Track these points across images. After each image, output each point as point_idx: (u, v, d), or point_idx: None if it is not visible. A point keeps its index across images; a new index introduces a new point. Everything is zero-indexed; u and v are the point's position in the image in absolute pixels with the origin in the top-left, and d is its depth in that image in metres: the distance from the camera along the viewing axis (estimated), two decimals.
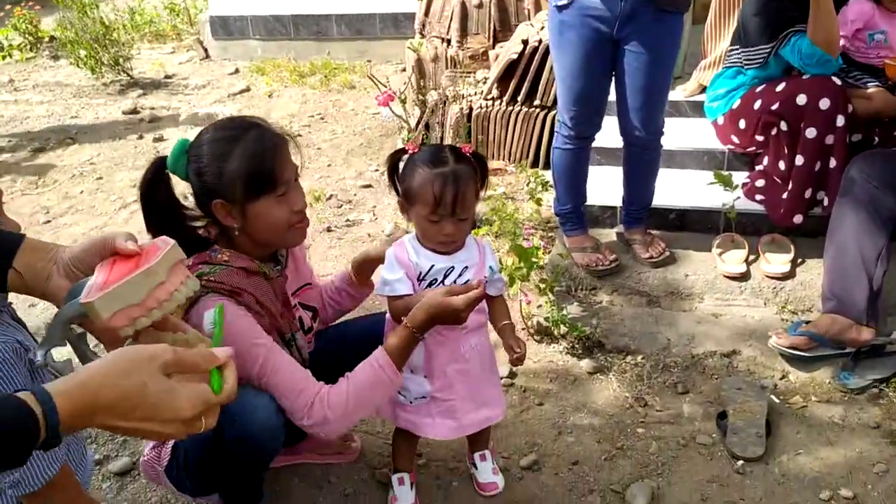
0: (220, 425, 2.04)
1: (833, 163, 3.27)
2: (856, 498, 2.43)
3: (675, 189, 3.75)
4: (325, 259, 4.11)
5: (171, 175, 2.01)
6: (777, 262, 3.33)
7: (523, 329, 3.29)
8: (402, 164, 2.17)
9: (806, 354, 2.96)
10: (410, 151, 2.14)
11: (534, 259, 3.06)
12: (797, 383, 2.95)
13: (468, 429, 2.34)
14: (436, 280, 2.17)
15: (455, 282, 2.18)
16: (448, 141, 5.00)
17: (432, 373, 2.23)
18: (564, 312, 3.22)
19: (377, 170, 5.12)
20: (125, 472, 2.72)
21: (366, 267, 2.46)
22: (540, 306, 3.30)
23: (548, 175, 4.49)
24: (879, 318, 2.98)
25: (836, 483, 2.49)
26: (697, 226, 3.66)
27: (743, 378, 2.95)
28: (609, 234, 3.71)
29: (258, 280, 2.04)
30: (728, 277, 3.34)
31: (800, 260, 3.39)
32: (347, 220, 4.52)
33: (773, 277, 3.30)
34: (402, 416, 2.33)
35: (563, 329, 3.19)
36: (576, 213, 3.49)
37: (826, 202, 3.34)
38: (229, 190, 1.93)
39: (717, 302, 3.30)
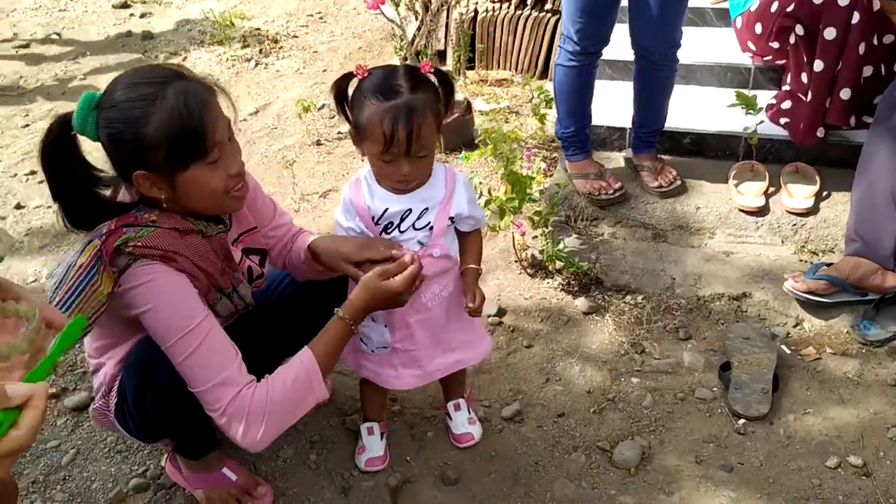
0: (137, 378, 1.85)
1: (861, 69, 2.93)
2: (865, 466, 2.21)
3: (691, 110, 3.40)
4: (311, 175, 3.83)
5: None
6: (800, 195, 3.02)
7: (515, 261, 3.03)
8: (350, 91, 1.87)
9: (824, 300, 2.69)
10: (358, 77, 1.83)
11: (528, 191, 2.76)
12: (811, 332, 2.69)
13: (434, 374, 2.13)
14: (391, 224, 1.91)
15: (413, 226, 1.91)
16: (450, 51, 4.62)
17: (392, 323, 2.00)
18: (561, 246, 2.95)
19: None
20: (82, 408, 2.55)
21: (331, 262, 1.99)
22: (535, 237, 3.03)
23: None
24: None
25: (845, 448, 2.27)
26: (714, 152, 3.33)
27: (752, 325, 2.69)
28: (616, 159, 3.39)
29: (194, 239, 1.78)
30: (744, 211, 3.04)
31: (825, 193, 3.08)
32: (339, 132, 4.21)
33: (793, 213, 3.00)
34: (365, 365, 2.12)
35: (558, 264, 2.92)
36: (579, 137, 3.16)
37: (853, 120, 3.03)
38: (151, 159, 1.64)
39: (730, 238, 3.02)
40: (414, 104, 1.74)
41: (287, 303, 2.23)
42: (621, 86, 3.49)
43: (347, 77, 1.85)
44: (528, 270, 3.03)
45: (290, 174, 3.69)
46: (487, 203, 2.73)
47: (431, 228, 1.92)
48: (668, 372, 2.58)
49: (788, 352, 2.60)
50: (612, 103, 3.40)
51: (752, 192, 3.06)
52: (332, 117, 4.37)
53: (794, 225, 2.99)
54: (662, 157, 3.28)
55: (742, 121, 3.12)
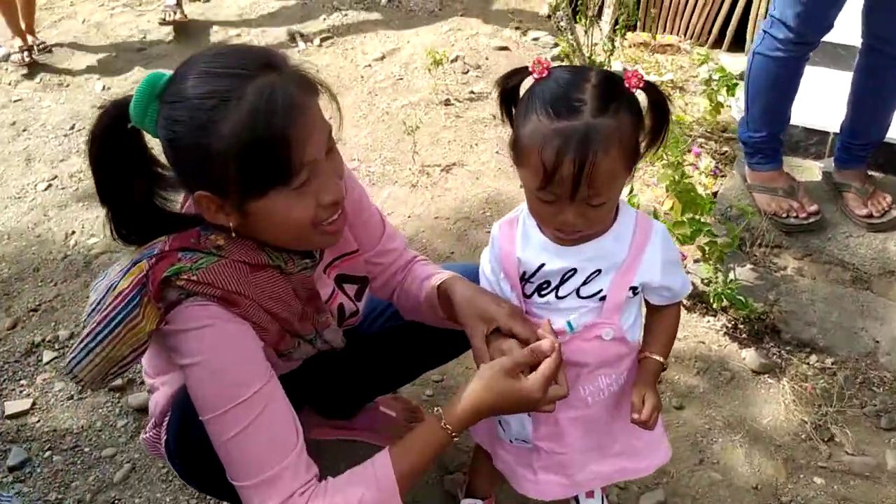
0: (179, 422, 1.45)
1: None
2: None
3: None
4: (435, 143, 3.33)
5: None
6: None
7: None
8: (521, 91, 1.32)
9: None
10: (535, 75, 1.28)
11: (705, 217, 2.16)
12: None
13: (585, 485, 1.63)
14: (547, 285, 1.39)
15: (577, 292, 1.39)
16: (609, 7, 3.95)
17: (536, 414, 1.50)
18: (731, 279, 2.35)
19: (518, 28, 4.17)
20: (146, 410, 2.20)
21: (467, 319, 1.46)
22: (697, 261, 2.44)
23: (733, 63, 3.45)
24: None
25: None
26: None
27: None
28: (809, 170, 2.72)
29: (268, 276, 1.33)
30: None
31: None
32: (471, 91, 3.68)
33: None
34: (500, 454, 1.64)
35: (724, 300, 2.33)
36: (771, 144, 2.52)
37: None
38: (217, 179, 1.18)
39: None
40: (594, 132, 1.19)
41: (387, 339, 1.77)
42: (827, 75, 2.78)
43: (520, 73, 1.30)
44: (685, 302, 2.45)
45: (412, 141, 3.20)
46: None
47: (603, 299, 1.39)
48: (865, 476, 1.98)
49: None
50: (813, 97, 2.70)
51: None
52: (466, 72, 3.83)
53: None
54: (874, 174, 2.58)
55: None
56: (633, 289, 1.38)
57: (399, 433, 2.05)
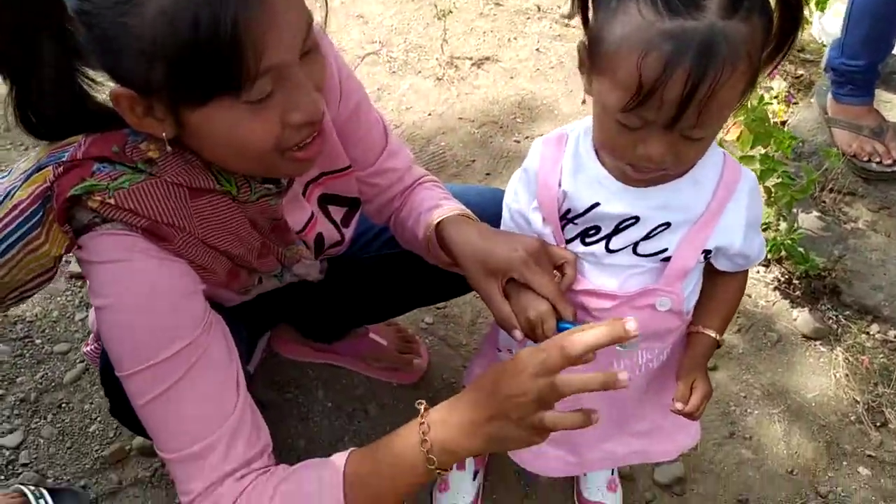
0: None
1: None
2: None
3: None
4: (468, 32, 2.93)
5: None
6: None
7: None
8: None
9: None
10: None
11: (785, 157, 1.80)
12: None
13: (593, 466, 1.37)
14: (595, 231, 1.07)
15: (635, 249, 1.07)
16: None
17: None
18: (797, 227, 2.01)
19: None
20: None
21: (469, 269, 1.13)
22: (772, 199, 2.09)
23: None
24: None
25: None
26: None
27: None
28: None
29: (215, 203, 1.00)
30: None
31: None
32: None
33: None
34: None
35: (782, 250, 2.01)
36: (866, 75, 2.13)
37: None
38: (141, 76, 0.83)
39: None
40: (721, 39, 0.83)
41: (380, 268, 1.46)
42: None
43: None
44: None
45: (442, 27, 2.81)
46: None
47: (666, 260, 1.07)
48: None
49: None
50: None
51: None
52: None
53: None
54: None
55: None
56: (706, 252, 1.07)
57: (389, 364, 1.80)
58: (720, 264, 1.13)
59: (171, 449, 0.98)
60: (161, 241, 0.96)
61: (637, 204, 1.04)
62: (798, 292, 2.03)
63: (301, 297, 1.41)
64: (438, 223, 1.17)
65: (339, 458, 0.99)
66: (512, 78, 2.74)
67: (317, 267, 1.26)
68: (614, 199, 1.04)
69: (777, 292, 2.04)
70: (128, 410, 1.02)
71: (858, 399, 1.82)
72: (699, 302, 1.17)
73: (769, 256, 2.06)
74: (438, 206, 1.21)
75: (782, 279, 2.05)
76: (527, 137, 2.46)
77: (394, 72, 2.76)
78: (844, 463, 1.72)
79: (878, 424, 1.79)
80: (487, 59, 2.82)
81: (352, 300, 1.50)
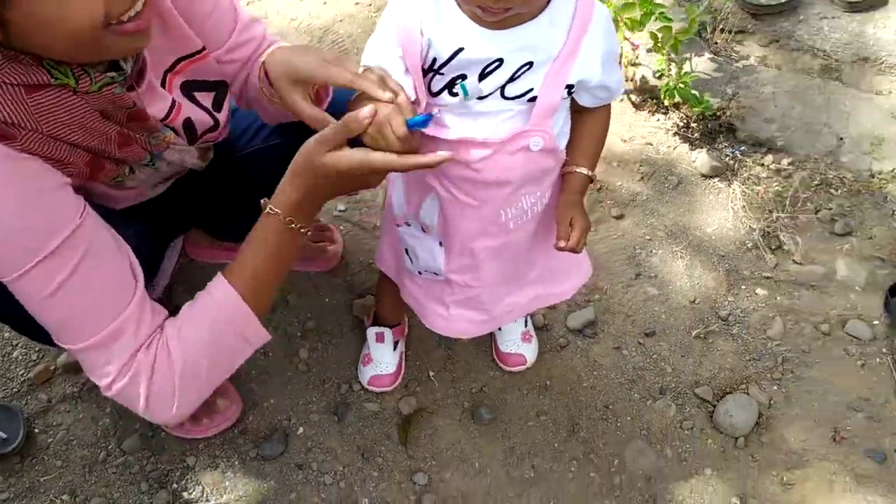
0: None
1: None
2: None
3: None
4: None
5: None
6: None
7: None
8: None
9: None
10: None
11: (662, 3, 1.82)
12: None
13: (503, 320, 1.45)
14: (461, 78, 1.09)
15: (502, 92, 1.10)
16: None
17: (450, 244, 1.28)
18: (687, 68, 2.05)
19: None
20: None
21: (282, 91, 1.18)
22: (650, 50, 2.12)
23: None
24: None
25: None
26: None
27: None
28: None
29: (55, 97, 1.00)
30: None
31: None
32: None
33: None
34: (407, 285, 1.44)
35: (676, 96, 2.05)
36: None
37: None
38: None
39: None
40: None
41: (271, 156, 1.47)
42: None
43: None
44: (633, 98, 2.17)
45: None
46: None
47: (533, 100, 1.11)
48: (812, 286, 1.82)
49: None
50: None
51: None
52: None
53: None
54: None
55: None
56: (569, 87, 1.10)
57: (304, 254, 1.84)
58: (583, 100, 1.16)
59: (79, 339, 1.03)
60: (6, 140, 0.96)
61: (499, 46, 1.06)
62: (696, 135, 2.09)
63: (197, 194, 1.43)
64: (264, 61, 1.20)
65: (220, 284, 1.12)
66: None
67: (194, 153, 1.27)
68: (477, 42, 1.06)
69: (676, 137, 2.10)
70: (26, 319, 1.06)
71: (755, 227, 1.92)
72: (569, 144, 1.22)
73: (667, 104, 2.11)
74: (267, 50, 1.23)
75: (681, 124, 2.11)
76: None
77: None
78: (743, 287, 1.83)
79: (773, 248, 1.89)
80: None
81: (252, 191, 1.52)
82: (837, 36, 2.13)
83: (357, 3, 2.52)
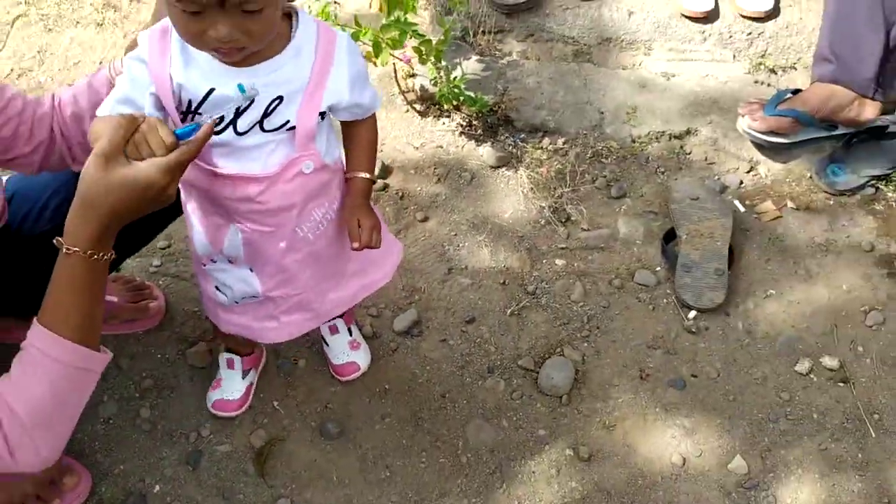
0: None
1: None
2: (842, 368, 1.82)
3: None
4: None
5: None
6: None
7: (399, 94, 2.30)
8: None
9: (786, 141, 2.16)
10: None
11: (413, 15, 1.97)
12: (769, 179, 2.18)
13: (332, 312, 1.54)
14: (221, 119, 1.16)
15: (261, 126, 1.19)
16: None
17: (260, 268, 1.35)
18: (458, 73, 2.23)
19: None
20: None
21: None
22: (424, 60, 2.28)
23: None
24: (888, 87, 2.14)
25: (816, 344, 1.86)
26: None
27: (699, 175, 2.16)
28: None
29: None
30: (688, 17, 2.36)
31: None
32: None
33: (749, 17, 2.35)
34: (229, 319, 1.49)
35: (454, 99, 2.22)
36: None
37: None
38: None
39: (671, 54, 2.37)
40: None
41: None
42: None
43: None
44: (417, 107, 2.32)
45: None
46: (355, 36, 1.92)
47: (292, 130, 1.20)
48: (601, 248, 2.04)
49: (743, 209, 2.10)
50: None
51: None
52: None
53: (750, 34, 2.35)
54: None
55: None
56: (322, 114, 1.20)
57: (126, 317, 1.84)
58: (341, 117, 1.28)
59: None
60: None
61: (248, 83, 1.12)
62: (479, 131, 2.26)
63: None
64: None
65: (40, 333, 1.12)
66: None
67: None
68: (226, 81, 1.13)
69: (462, 137, 2.27)
70: None
71: (544, 205, 2.12)
72: (346, 153, 1.33)
73: (447, 108, 2.27)
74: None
75: (464, 124, 2.28)
76: None
77: (50, 29, 2.62)
78: (544, 261, 2.02)
79: (563, 221, 2.10)
80: None
81: (42, 275, 1.52)
82: (581, 23, 2.38)
83: None
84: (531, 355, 1.84)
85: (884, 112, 2.14)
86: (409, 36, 1.96)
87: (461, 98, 2.19)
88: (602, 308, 1.92)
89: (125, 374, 1.80)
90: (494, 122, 2.28)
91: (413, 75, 2.32)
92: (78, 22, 2.64)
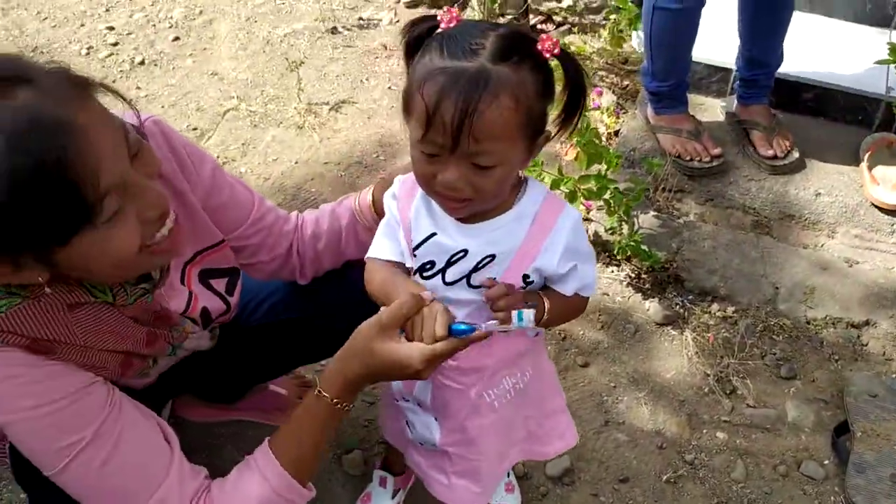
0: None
1: None
2: None
3: (814, 50, 2.62)
4: (321, 78, 3.07)
5: None
6: None
7: None
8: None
9: None
10: (443, 24, 1.10)
11: (612, 169, 2.05)
12: None
13: (495, 486, 1.53)
14: (431, 264, 1.22)
15: (468, 280, 1.21)
16: None
17: (443, 421, 1.37)
18: (636, 230, 2.27)
19: None
20: None
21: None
22: (601, 208, 2.33)
23: None
24: None
25: None
26: (842, 114, 2.58)
27: (876, 369, 2.08)
28: (712, 109, 2.64)
29: (94, 312, 1.11)
30: (878, 208, 2.34)
31: None
32: (360, 18, 3.41)
33: None
34: (411, 453, 1.51)
35: (628, 251, 2.25)
36: (677, 91, 2.42)
37: None
38: None
39: (856, 241, 2.33)
40: (485, 74, 1.02)
41: (267, 333, 1.57)
42: (725, 6, 2.67)
43: (427, 21, 1.12)
44: None
45: (296, 76, 2.92)
46: (555, 184, 2.00)
47: None
48: (766, 429, 1.97)
49: None
50: (713, 30, 2.58)
51: (890, 182, 2.35)
52: None
53: None
54: (777, 113, 2.53)
55: (883, 74, 2.37)
56: (526, 277, 1.21)
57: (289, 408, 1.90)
58: (561, 289, 1.24)
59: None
60: (43, 354, 1.04)
61: (467, 238, 1.18)
62: (647, 285, 2.28)
63: (196, 367, 1.50)
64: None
65: (266, 460, 1.19)
66: (369, 118, 2.89)
67: (206, 336, 1.36)
68: (448, 231, 1.19)
69: (630, 288, 2.29)
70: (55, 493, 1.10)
71: (709, 372, 2.08)
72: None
73: (619, 257, 2.31)
74: (348, 197, 1.47)
75: (633, 276, 2.30)
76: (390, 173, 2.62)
77: (255, 125, 2.86)
78: (704, 430, 1.97)
79: (727, 392, 2.05)
80: (344, 102, 2.97)
81: (244, 365, 1.61)
82: (764, 196, 2.40)
83: (326, 163, 2.69)
84: None
85: None
86: (605, 193, 2.02)
87: (635, 251, 2.22)
88: (764, 494, 1.84)
89: None
90: (664, 278, 2.29)
91: (587, 220, 2.37)
92: (281, 122, 2.88)
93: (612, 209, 2.15)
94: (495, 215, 1.19)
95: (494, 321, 1.16)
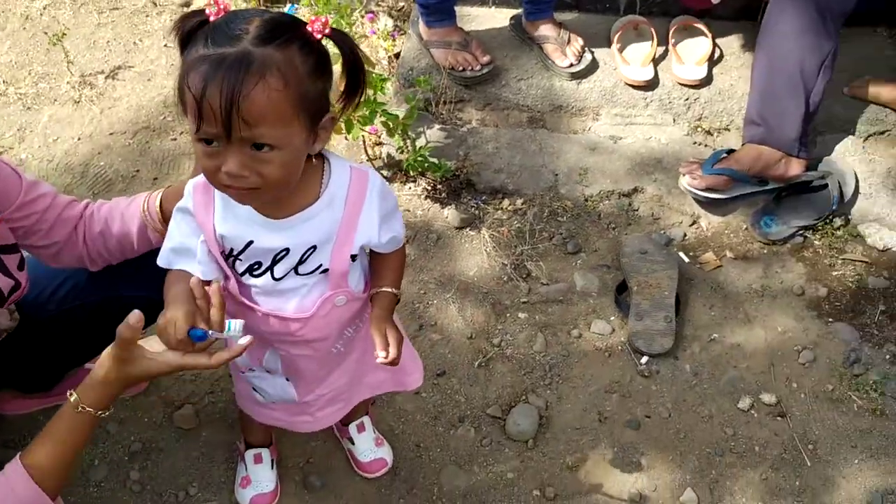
0: None
1: None
2: (779, 403, 2.00)
3: None
4: (91, 47, 2.97)
5: None
6: (691, 60, 2.58)
7: (369, 163, 2.47)
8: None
9: (723, 196, 2.36)
10: (211, 17, 1.11)
11: (382, 94, 2.15)
12: (709, 231, 2.38)
13: (358, 398, 1.65)
14: (258, 265, 1.28)
15: (296, 271, 1.28)
16: None
17: (297, 380, 1.48)
18: (422, 141, 2.40)
19: None
20: None
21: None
22: (391, 131, 2.45)
23: None
24: (810, 146, 2.38)
25: (756, 383, 2.04)
26: (594, 4, 2.79)
27: (647, 229, 2.35)
28: (478, 18, 2.78)
29: None
30: (631, 86, 2.58)
31: (718, 55, 2.65)
32: None
33: (685, 84, 2.57)
34: (267, 413, 1.60)
35: (419, 166, 2.39)
36: (446, 4, 2.52)
37: None
38: None
39: (617, 119, 2.58)
40: (251, 58, 1.04)
41: (74, 317, 1.60)
42: None
43: (197, 15, 1.12)
44: (385, 173, 2.48)
45: (62, 49, 2.81)
46: None
47: (326, 272, 1.30)
48: (559, 300, 2.21)
49: (687, 260, 2.29)
50: None
51: (638, 60, 2.59)
52: None
53: (686, 99, 2.57)
54: (563, 21, 2.66)
55: None
56: (353, 256, 1.29)
57: None
58: (378, 250, 1.35)
59: None
60: None
61: (284, 236, 1.23)
62: (444, 194, 2.44)
63: (2, 358, 1.52)
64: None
65: (12, 465, 1.22)
66: (149, 80, 2.84)
67: (5, 315, 1.38)
68: (264, 235, 1.23)
69: (428, 200, 2.44)
70: None
71: (506, 262, 2.29)
72: (374, 270, 1.40)
73: (413, 174, 2.44)
74: (139, 197, 1.48)
75: (429, 188, 2.45)
76: (181, 133, 2.61)
77: (28, 108, 2.75)
78: (507, 315, 2.18)
79: (524, 276, 2.26)
80: (119, 67, 2.89)
81: (53, 350, 1.63)
82: (535, 92, 2.58)
83: (111, 134, 2.65)
84: (498, 404, 1.98)
85: (808, 168, 2.36)
86: (378, 115, 2.13)
87: (426, 165, 2.36)
88: (562, 357, 2.08)
89: (114, 438, 1.89)
90: (457, 185, 2.45)
91: (380, 144, 2.49)
92: (55, 100, 2.78)
93: (392, 130, 2.26)
94: (306, 205, 1.22)
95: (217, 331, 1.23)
